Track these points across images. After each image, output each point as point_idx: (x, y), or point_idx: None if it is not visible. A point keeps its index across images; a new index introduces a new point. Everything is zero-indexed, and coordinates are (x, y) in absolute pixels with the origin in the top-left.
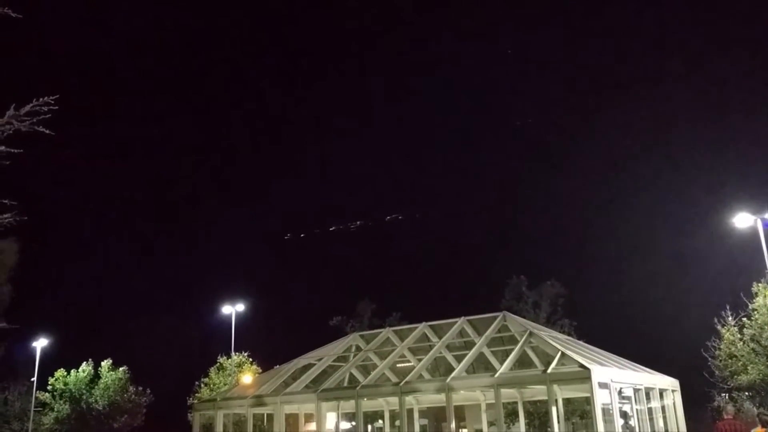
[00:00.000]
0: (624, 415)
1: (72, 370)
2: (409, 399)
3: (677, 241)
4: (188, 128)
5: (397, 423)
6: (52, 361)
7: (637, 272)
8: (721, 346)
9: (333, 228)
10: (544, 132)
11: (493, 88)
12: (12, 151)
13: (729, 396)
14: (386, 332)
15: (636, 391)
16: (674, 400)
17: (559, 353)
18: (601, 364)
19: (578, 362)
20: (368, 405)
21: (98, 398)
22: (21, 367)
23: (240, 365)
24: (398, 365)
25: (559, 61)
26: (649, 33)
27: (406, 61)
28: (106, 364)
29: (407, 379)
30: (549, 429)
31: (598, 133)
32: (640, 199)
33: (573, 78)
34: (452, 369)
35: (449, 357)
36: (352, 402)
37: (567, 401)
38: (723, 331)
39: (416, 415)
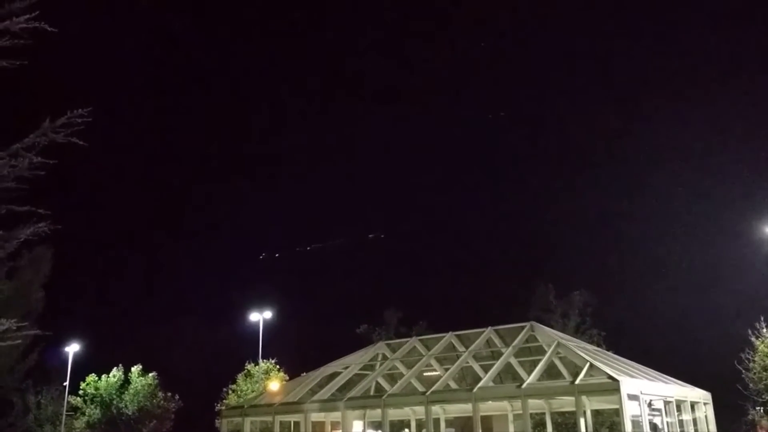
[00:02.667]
0: (654, 427)
1: (103, 376)
2: (436, 408)
3: (709, 251)
4: (214, 134)
5: None
6: (83, 366)
7: (668, 282)
8: (756, 359)
9: (360, 236)
10: (572, 140)
11: (515, 97)
12: (47, 161)
13: (764, 410)
14: (413, 341)
15: (666, 403)
16: (706, 413)
17: (588, 364)
18: (631, 376)
19: (607, 373)
20: (395, 414)
21: (128, 403)
22: (54, 372)
23: (267, 372)
24: (425, 374)
25: (587, 69)
26: (680, 35)
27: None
28: (136, 369)
29: (434, 388)
30: None
31: (628, 140)
32: (672, 207)
33: (598, 88)
34: (479, 379)
35: (476, 367)
36: (379, 411)
37: (596, 413)
38: (757, 343)
39: (443, 424)
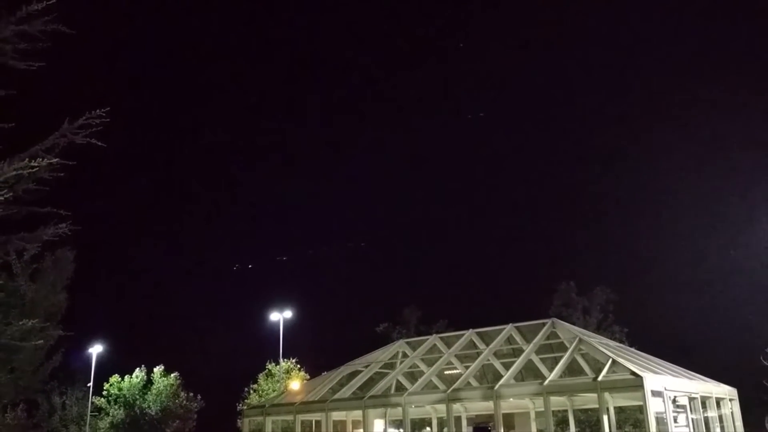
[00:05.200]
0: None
1: (126, 376)
2: (457, 406)
3: (734, 246)
4: (228, 134)
5: (446, 430)
6: (106, 367)
7: (692, 278)
8: None
9: (380, 234)
10: (594, 136)
11: (536, 93)
12: (67, 162)
13: None
14: (433, 339)
15: (691, 399)
16: (732, 409)
17: (610, 360)
18: (654, 372)
19: (630, 370)
20: (416, 412)
21: (151, 404)
22: (78, 373)
23: (288, 371)
24: (445, 372)
25: (611, 61)
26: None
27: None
28: (158, 370)
29: (455, 386)
30: None
31: (652, 137)
32: (696, 203)
33: (621, 84)
34: (500, 376)
35: (497, 364)
36: (400, 409)
37: (619, 409)
38: None
39: (464, 422)
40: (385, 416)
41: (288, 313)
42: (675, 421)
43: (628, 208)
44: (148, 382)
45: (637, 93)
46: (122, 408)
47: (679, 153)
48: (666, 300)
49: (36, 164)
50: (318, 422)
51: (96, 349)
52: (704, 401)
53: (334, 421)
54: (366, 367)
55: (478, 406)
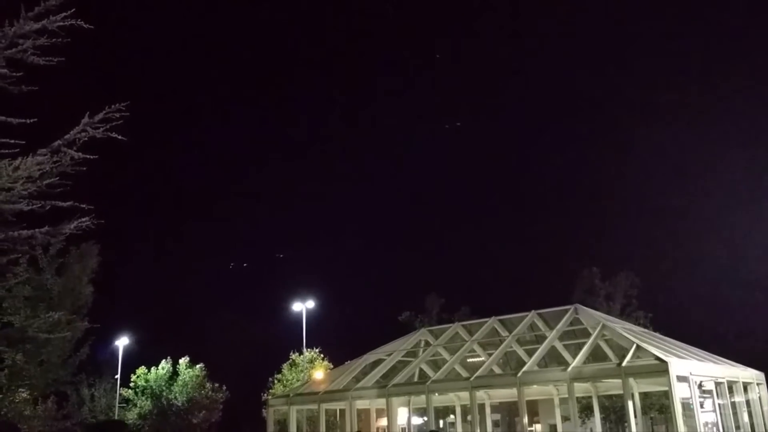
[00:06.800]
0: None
1: (152, 368)
2: (480, 394)
3: (760, 229)
4: (256, 128)
5: (469, 418)
6: (132, 359)
7: (717, 262)
8: None
9: (402, 223)
10: (622, 120)
11: (566, 82)
12: (88, 157)
13: None
14: (455, 327)
15: (717, 384)
16: (759, 393)
17: (634, 346)
18: (679, 357)
19: (654, 355)
20: (439, 400)
21: (177, 394)
22: (105, 366)
23: (312, 361)
24: (468, 360)
25: (644, 51)
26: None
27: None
28: (183, 361)
29: (478, 373)
30: (626, 424)
31: (685, 121)
32: (720, 186)
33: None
34: (523, 363)
35: (520, 351)
36: (423, 397)
37: (644, 395)
38: None
39: (488, 410)
40: (409, 404)
41: (310, 303)
42: (701, 406)
43: (653, 195)
44: (174, 374)
45: (664, 84)
46: (149, 399)
47: (709, 137)
48: (691, 285)
49: (58, 159)
50: (342, 411)
51: (122, 342)
52: (731, 386)
53: (358, 409)
54: (389, 355)
55: (501, 394)
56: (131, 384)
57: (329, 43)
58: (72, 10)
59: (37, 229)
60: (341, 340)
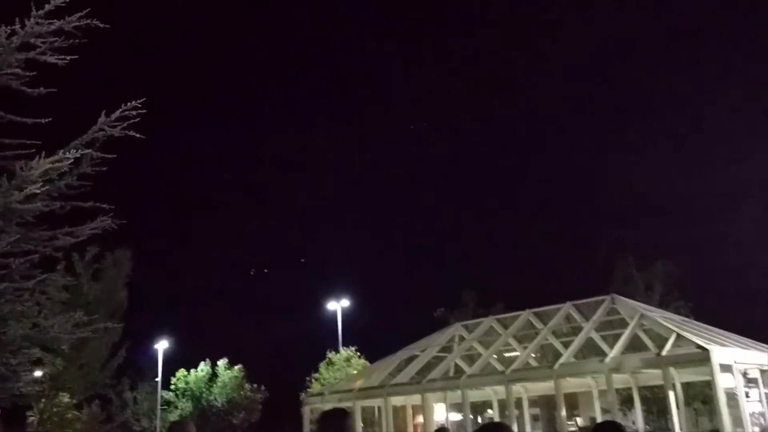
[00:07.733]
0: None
1: (192, 370)
2: (517, 388)
3: None
4: (283, 124)
5: (507, 412)
6: (171, 362)
7: (758, 247)
8: None
9: (436, 218)
10: (657, 108)
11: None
12: (107, 156)
13: None
14: (489, 321)
15: (763, 372)
16: None
17: (674, 335)
18: (722, 345)
19: (696, 343)
20: (475, 395)
21: (217, 396)
22: (146, 368)
23: (348, 359)
24: (504, 354)
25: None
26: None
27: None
28: (222, 363)
29: (513, 367)
30: (668, 416)
31: (723, 110)
32: (755, 173)
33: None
34: (560, 355)
35: (556, 343)
36: (459, 392)
37: (686, 386)
38: None
39: (525, 404)
40: (445, 400)
41: (345, 302)
42: (747, 396)
43: (690, 186)
44: (213, 375)
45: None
46: (190, 401)
47: (743, 126)
48: (733, 272)
49: (70, 156)
50: (379, 408)
51: (162, 345)
52: None
53: (395, 406)
54: (423, 351)
55: (538, 387)
56: (171, 386)
57: (349, 37)
58: (88, 10)
59: (57, 230)
60: (378, 337)
